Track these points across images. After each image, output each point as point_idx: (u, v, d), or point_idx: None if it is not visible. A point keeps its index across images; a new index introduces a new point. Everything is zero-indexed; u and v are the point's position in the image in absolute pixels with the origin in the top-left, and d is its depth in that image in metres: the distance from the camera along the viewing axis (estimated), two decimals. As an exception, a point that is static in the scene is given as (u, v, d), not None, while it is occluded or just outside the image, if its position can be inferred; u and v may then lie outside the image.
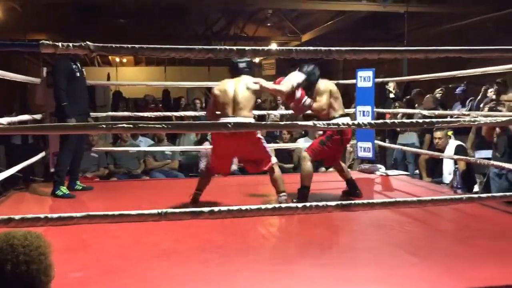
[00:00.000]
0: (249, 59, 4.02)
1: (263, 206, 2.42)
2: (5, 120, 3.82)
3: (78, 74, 4.46)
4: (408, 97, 7.11)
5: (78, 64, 4.52)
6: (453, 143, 5.23)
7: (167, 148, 6.23)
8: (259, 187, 4.74)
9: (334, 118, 4.10)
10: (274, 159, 3.95)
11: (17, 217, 2.17)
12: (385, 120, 3.27)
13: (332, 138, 4.07)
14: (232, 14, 11.00)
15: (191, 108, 8.39)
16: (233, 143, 3.67)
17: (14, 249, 1.16)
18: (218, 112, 3.82)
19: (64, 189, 4.44)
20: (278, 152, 6.89)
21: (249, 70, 3.99)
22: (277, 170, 3.92)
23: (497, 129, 4.46)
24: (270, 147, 6.64)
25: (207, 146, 6.19)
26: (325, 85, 4.19)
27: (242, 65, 3.96)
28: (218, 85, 3.95)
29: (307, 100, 4.01)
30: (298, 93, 3.96)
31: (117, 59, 14.45)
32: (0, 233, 1.26)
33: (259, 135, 3.87)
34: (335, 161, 4.41)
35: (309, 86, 4.08)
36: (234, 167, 6.23)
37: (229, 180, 5.69)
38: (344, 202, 2.35)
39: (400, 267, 2.66)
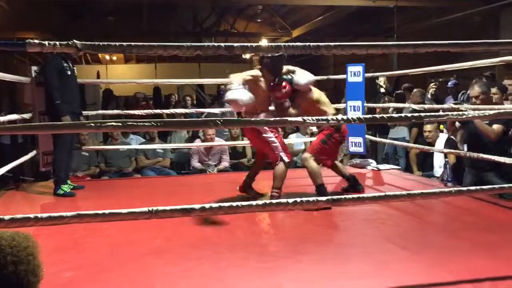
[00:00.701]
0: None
1: (254, 203, 2.42)
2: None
3: (69, 73, 4.43)
4: (398, 91, 7.15)
5: (70, 63, 4.50)
6: (443, 137, 5.27)
7: (158, 146, 6.21)
8: (257, 182, 4.73)
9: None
10: (283, 157, 3.93)
11: (6, 217, 2.15)
12: (375, 115, 3.27)
13: (333, 136, 4.05)
14: (222, 10, 10.98)
15: (182, 105, 8.37)
16: (250, 137, 4.10)
17: (1, 250, 1.16)
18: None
19: (65, 188, 4.45)
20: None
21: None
22: (280, 166, 3.92)
23: (457, 123, 4.51)
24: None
25: (198, 144, 6.19)
26: (318, 94, 4.14)
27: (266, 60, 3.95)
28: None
29: (286, 103, 4.04)
30: (284, 90, 3.95)
31: (107, 57, 14.37)
32: (-13, 234, 1.25)
33: (265, 133, 3.86)
34: (332, 161, 4.37)
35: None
36: (226, 164, 6.24)
37: (221, 177, 5.70)
38: (334, 197, 2.36)
39: (391, 261, 2.67)
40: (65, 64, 4.41)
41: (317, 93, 4.11)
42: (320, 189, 3.95)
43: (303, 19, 11.34)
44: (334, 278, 2.44)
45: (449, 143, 5.02)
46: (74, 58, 4.67)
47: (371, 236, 3.23)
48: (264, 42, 11.12)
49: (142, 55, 13.21)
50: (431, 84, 7.19)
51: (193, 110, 6.65)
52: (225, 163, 6.23)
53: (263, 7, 10.76)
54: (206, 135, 6.06)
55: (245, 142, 6.78)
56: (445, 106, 4.51)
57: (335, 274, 2.49)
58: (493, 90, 4.52)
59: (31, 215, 2.19)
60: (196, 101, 10.43)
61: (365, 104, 5.72)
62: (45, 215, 2.22)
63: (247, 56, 13.14)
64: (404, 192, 2.71)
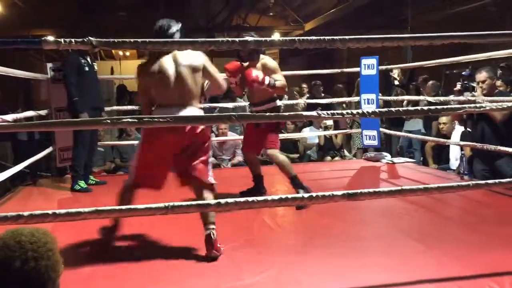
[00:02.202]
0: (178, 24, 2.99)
1: (269, 198, 2.42)
2: (10, 117, 3.84)
3: (87, 69, 4.46)
4: (414, 83, 7.07)
5: (88, 59, 4.53)
6: (459, 129, 5.21)
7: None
8: (265, 178, 4.72)
9: (276, 98, 3.93)
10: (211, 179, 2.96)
11: (25, 213, 2.18)
12: (390, 108, 3.21)
13: (279, 123, 3.95)
14: (234, 4, 10.95)
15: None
16: (169, 140, 2.78)
17: (22, 246, 1.17)
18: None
19: (82, 184, 4.51)
20: (282, 142, 6.90)
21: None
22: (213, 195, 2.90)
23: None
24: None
25: (211, 138, 6.20)
26: (273, 61, 3.93)
27: (172, 30, 2.92)
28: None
29: (270, 81, 3.69)
30: (256, 74, 3.65)
31: (120, 53, 14.41)
32: (7, 230, 1.26)
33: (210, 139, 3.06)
34: (259, 150, 4.08)
35: (253, 58, 3.81)
36: (240, 158, 6.24)
37: (235, 171, 5.71)
38: (350, 192, 2.34)
39: (408, 255, 2.66)
40: (82, 61, 4.44)
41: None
42: (295, 181, 3.83)
43: (315, 12, 11.26)
44: (352, 273, 2.44)
45: (465, 135, 4.96)
46: (94, 53, 4.68)
47: (388, 230, 3.21)
48: (276, 36, 11.07)
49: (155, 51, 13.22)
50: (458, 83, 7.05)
51: (206, 105, 6.64)
52: (239, 158, 6.23)
53: (275, 0, 10.70)
54: (219, 130, 6.07)
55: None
56: (461, 98, 4.44)
57: (352, 269, 2.49)
58: (498, 83, 4.47)
59: (50, 211, 2.21)
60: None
61: (379, 97, 5.67)
62: (63, 211, 2.25)
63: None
64: (420, 186, 2.69)
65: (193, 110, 2.81)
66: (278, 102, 3.95)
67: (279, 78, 3.79)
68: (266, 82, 3.68)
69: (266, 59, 3.89)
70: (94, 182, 4.73)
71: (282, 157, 3.91)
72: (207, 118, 2.80)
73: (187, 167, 2.84)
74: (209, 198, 2.79)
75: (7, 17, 8.51)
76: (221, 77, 3.10)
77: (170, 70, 2.78)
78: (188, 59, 2.82)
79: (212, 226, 2.74)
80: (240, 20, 12.00)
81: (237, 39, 2.31)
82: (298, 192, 3.70)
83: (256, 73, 3.67)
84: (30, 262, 1.15)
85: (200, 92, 2.93)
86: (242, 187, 4.20)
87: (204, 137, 2.88)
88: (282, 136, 6.70)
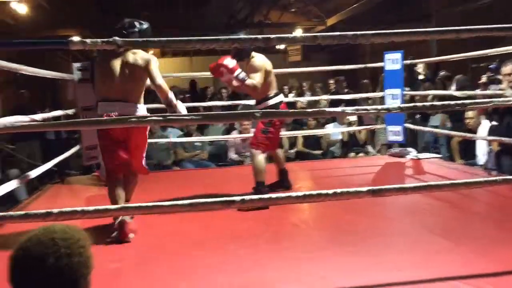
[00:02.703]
0: (144, 25, 3.25)
1: (293, 194, 2.43)
2: (39, 116, 3.93)
3: None
4: (439, 78, 6.95)
5: None
6: (486, 123, 5.11)
7: (196, 139, 6.29)
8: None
9: (269, 97, 3.87)
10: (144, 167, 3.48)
11: (55, 210, 2.24)
12: (416, 104, 3.15)
13: (273, 123, 3.86)
14: (255, 1, 10.95)
15: (218, 98, 8.42)
16: (122, 131, 3.12)
17: (55, 243, 1.19)
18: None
19: None
20: (305, 138, 6.90)
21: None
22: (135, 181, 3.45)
23: None
24: (297, 134, 6.71)
25: (235, 135, 6.23)
26: (260, 61, 3.84)
27: (132, 30, 3.19)
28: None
29: (240, 74, 3.68)
30: (231, 63, 3.66)
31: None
32: (40, 227, 1.30)
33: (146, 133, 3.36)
34: (275, 147, 4.10)
35: (241, 58, 3.79)
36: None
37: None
38: (375, 188, 2.33)
39: (434, 252, 2.63)
40: None
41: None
42: (258, 187, 3.77)
43: (338, 7, 11.18)
44: (377, 270, 2.42)
45: (493, 130, 4.86)
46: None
47: (413, 227, 3.18)
48: (298, 32, 11.03)
49: (178, 49, 13.33)
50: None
51: (230, 103, 6.68)
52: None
53: (297, -4, 10.67)
54: (242, 126, 6.09)
55: (282, 132, 6.79)
56: (488, 91, 4.36)
57: (377, 265, 2.47)
58: None
59: (78, 209, 2.27)
60: (232, 92, 10.47)
61: (404, 92, 5.61)
62: (91, 208, 2.30)
63: (281, 46, 13.09)
64: (447, 182, 2.66)
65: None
66: (271, 102, 3.86)
67: (254, 77, 3.74)
68: (236, 73, 3.65)
69: (255, 58, 3.85)
70: None
71: (260, 161, 3.82)
72: (232, 115, 2.82)
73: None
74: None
75: (33, 18, 8.68)
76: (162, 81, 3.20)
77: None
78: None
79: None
80: (262, 17, 11.99)
81: (260, 36, 2.32)
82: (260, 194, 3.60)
83: (227, 61, 3.67)
84: (63, 259, 1.18)
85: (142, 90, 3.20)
86: (266, 183, 4.21)
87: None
88: (305, 132, 6.74)
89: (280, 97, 3.95)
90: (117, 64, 3.12)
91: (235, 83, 3.80)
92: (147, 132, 3.32)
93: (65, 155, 4.75)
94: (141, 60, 3.12)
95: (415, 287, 2.22)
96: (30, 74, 3.84)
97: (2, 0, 7.53)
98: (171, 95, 3.17)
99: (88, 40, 2.21)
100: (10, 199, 4.41)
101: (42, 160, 6.11)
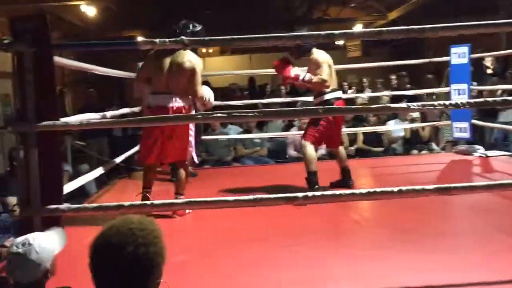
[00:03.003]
0: (197, 28, 3.68)
1: (357, 191, 2.41)
2: (109, 114, 4.12)
3: None
4: (510, 71, 6.62)
5: None
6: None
7: (255, 136, 6.35)
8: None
9: (326, 92, 3.91)
10: (192, 158, 3.76)
11: (126, 203, 2.35)
12: (486, 99, 3.00)
13: (324, 117, 3.87)
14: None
15: (277, 95, 8.44)
16: (163, 129, 3.47)
17: (133, 233, 1.26)
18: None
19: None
20: (365, 135, 6.78)
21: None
22: (188, 170, 3.78)
23: None
24: (358, 130, 6.61)
25: (294, 132, 6.23)
26: (322, 56, 3.95)
27: (187, 31, 3.60)
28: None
29: (305, 76, 3.86)
30: (293, 71, 3.86)
31: (204, 50, 14.86)
32: (117, 218, 1.37)
33: (191, 125, 3.65)
34: (334, 144, 4.16)
35: (302, 54, 3.94)
36: (322, 151, 6.22)
37: (318, 165, 5.69)
38: (443, 186, 2.27)
39: (503, 252, 2.53)
40: None
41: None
42: (310, 177, 3.85)
43: (398, 1, 10.88)
44: (442, 269, 2.36)
45: None
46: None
47: (480, 226, 3.07)
48: (358, 28, 10.85)
49: (237, 47, 13.47)
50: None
51: (289, 99, 6.68)
52: (322, 151, 6.20)
53: (356, -9, 10.49)
54: (302, 123, 6.07)
55: (344, 130, 6.71)
56: None
57: (442, 266, 2.40)
58: None
59: (148, 202, 2.37)
60: (290, 89, 10.47)
61: (471, 87, 5.39)
62: (159, 201, 2.40)
63: (340, 42, 12.91)
64: (519, 180, 2.53)
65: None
66: (327, 96, 3.91)
67: (319, 73, 3.86)
68: (301, 77, 3.86)
69: (315, 54, 3.95)
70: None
71: (310, 151, 3.91)
72: (294, 112, 2.83)
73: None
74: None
75: (100, 20, 9.07)
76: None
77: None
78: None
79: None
80: (321, 13, 11.88)
81: (323, 32, 2.31)
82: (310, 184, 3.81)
83: (290, 70, 3.86)
84: (141, 248, 1.25)
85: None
86: (325, 180, 4.19)
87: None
88: (365, 129, 6.62)
89: (337, 93, 3.99)
90: (166, 62, 3.48)
91: (303, 85, 3.97)
92: (189, 125, 3.60)
93: (131, 151, 4.95)
94: (189, 65, 3.47)
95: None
96: (100, 73, 4.04)
97: (72, 4, 7.93)
98: (204, 96, 3.63)
99: (157, 40, 2.29)
100: (81, 193, 4.65)
101: (110, 156, 6.40)
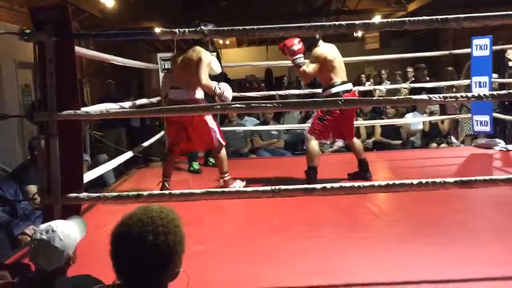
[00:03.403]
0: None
1: (376, 183, 2.39)
2: (127, 104, 4.14)
3: None
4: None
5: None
6: None
7: (272, 127, 6.33)
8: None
9: (334, 85, 3.89)
10: (218, 143, 3.89)
11: (145, 193, 2.37)
12: (510, 91, 2.92)
13: (330, 112, 3.89)
14: (333, -12, 10.75)
15: (294, 87, 8.40)
16: (180, 118, 3.75)
17: (153, 221, 1.28)
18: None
19: (195, 165, 4.91)
20: (383, 128, 6.72)
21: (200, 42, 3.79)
22: (222, 152, 3.92)
23: None
24: (377, 123, 6.55)
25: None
26: (322, 50, 3.93)
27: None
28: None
29: (299, 58, 3.89)
30: (296, 46, 3.85)
31: (220, 41, 14.86)
32: (139, 207, 1.38)
33: (206, 117, 3.80)
34: (345, 136, 4.17)
35: (307, 48, 3.93)
36: (340, 143, 6.19)
37: (335, 157, 5.67)
38: (464, 179, 2.24)
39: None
40: None
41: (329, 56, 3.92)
42: (309, 172, 3.93)
43: (418, -9, 10.70)
44: (462, 264, 2.33)
45: None
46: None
47: (501, 221, 3.02)
48: (377, 19, 10.71)
49: (254, 38, 13.42)
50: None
51: (306, 91, 6.64)
52: (339, 143, 6.18)
53: (375, -18, 10.34)
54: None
55: (360, 122, 6.66)
56: None
57: (462, 260, 2.38)
58: None
59: (166, 192, 2.38)
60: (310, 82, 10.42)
61: (492, 79, 5.29)
62: (177, 191, 2.41)
63: (359, 34, 12.78)
64: (543, 174, 2.48)
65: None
66: (334, 89, 3.90)
67: (309, 66, 3.90)
68: (295, 56, 3.87)
69: (318, 47, 3.95)
70: (211, 164, 5.03)
71: (313, 146, 3.98)
72: (313, 103, 2.81)
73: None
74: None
75: (118, 11, 9.10)
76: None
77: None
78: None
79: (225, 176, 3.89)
80: (340, 4, 11.75)
81: (344, 23, 2.28)
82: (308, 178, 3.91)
83: (292, 42, 3.85)
84: (161, 236, 1.26)
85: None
86: (342, 172, 4.17)
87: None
88: (383, 122, 6.56)
89: (346, 86, 3.95)
90: (180, 59, 3.82)
91: (292, 64, 3.99)
92: (204, 117, 3.77)
93: (149, 141, 4.98)
94: (195, 57, 3.69)
95: (509, 283, 2.11)
96: (119, 64, 4.05)
97: (92, -5, 7.98)
98: (216, 88, 3.78)
99: (176, 30, 2.29)
100: (100, 183, 4.70)
101: (128, 146, 6.45)
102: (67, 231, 1.78)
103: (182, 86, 3.79)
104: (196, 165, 4.90)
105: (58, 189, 2.43)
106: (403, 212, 3.38)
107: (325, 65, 3.90)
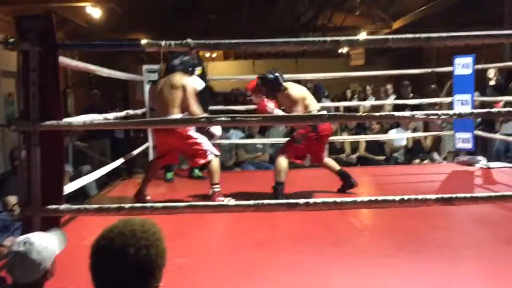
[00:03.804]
0: (185, 57, 3.99)
1: (358, 199, 2.40)
2: (112, 115, 4.11)
3: None
4: (512, 83, 6.60)
5: None
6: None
7: (257, 141, 6.34)
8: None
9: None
10: (211, 154, 3.95)
11: (127, 206, 2.34)
12: (490, 110, 2.98)
13: (307, 136, 3.95)
14: (319, 4, 10.89)
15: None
16: (167, 139, 3.86)
17: (134, 235, 1.26)
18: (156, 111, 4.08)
19: (169, 175, 4.99)
20: (367, 143, 6.77)
21: (183, 67, 3.97)
22: (215, 163, 3.96)
23: None
24: (359, 138, 6.61)
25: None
26: (296, 92, 4.01)
27: (175, 62, 3.98)
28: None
29: (269, 108, 3.92)
30: (268, 107, 3.91)
31: (207, 55, 14.90)
32: (120, 220, 1.36)
33: (190, 133, 3.84)
34: (319, 159, 4.23)
35: (273, 93, 4.01)
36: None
37: (320, 172, 5.68)
38: (445, 196, 2.26)
39: (503, 264, 2.51)
40: None
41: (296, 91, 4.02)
42: (276, 188, 3.95)
43: (403, 10, 10.90)
44: (444, 280, 2.34)
45: None
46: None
47: (483, 238, 3.05)
48: (362, 36, 10.85)
49: (241, 52, 13.50)
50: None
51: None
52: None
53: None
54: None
55: (344, 137, 6.71)
56: None
57: (444, 277, 2.39)
58: None
59: (148, 205, 2.36)
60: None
61: (475, 98, 5.38)
62: (160, 204, 2.39)
63: (343, 50, 12.93)
64: (523, 192, 2.52)
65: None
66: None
67: (296, 110, 3.89)
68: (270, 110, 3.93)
69: (290, 89, 3.98)
70: (196, 176, 5.14)
71: (283, 163, 3.98)
72: (299, 117, 2.82)
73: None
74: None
75: (104, 22, 9.08)
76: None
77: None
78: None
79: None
80: (326, 20, 11.90)
81: (329, 39, 2.31)
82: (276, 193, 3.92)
83: (267, 104, 3.93)
84: (143, 250, 1.24)
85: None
86: (327, 187, 4.18)
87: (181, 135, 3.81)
88: (367, 137, 6.62)
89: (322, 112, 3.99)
90: (163, 82, 3.91)
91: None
92: (186, 133, 3.81)
93: (133, 153, 4.94)
94: (180, 84, 3.81)
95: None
96: (104, 75, 4.03)
97: (78, 5, 7.94)
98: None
99: (162, 42, 2.29)
100: (82, 194, 4.64)
101: (111, 157, 6.39)
102: (45, 243, 1.75)
103: (166, 111, 3.80)
104: (170, 175, 4.98)
105: (38, 200, 2.39)
106: (386, 228, 3.39)
107: (303, 101, 3.98)
